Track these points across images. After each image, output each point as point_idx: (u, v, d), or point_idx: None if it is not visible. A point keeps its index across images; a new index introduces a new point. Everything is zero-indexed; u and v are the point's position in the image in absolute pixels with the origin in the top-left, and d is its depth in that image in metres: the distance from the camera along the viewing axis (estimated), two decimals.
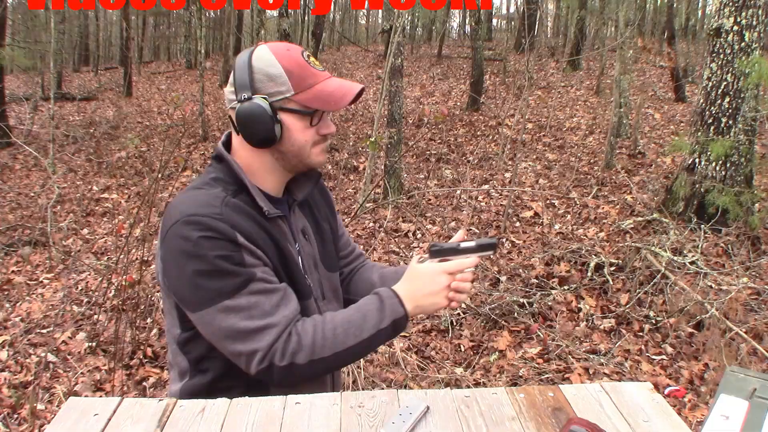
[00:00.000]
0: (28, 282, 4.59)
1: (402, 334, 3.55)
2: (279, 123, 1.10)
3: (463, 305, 3.85)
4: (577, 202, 5.95)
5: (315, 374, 1.09)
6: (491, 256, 1.02)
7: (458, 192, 6.45)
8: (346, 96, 1.11)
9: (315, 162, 1.17)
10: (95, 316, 3.76)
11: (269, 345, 1.04)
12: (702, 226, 4.51)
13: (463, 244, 1.11)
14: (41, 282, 4.59)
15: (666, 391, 2.91)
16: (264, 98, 1.09)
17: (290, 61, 1.10)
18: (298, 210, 1.25)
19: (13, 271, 4.83)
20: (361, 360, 3.09)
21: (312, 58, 1.14)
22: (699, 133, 4.90)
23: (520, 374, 3.12)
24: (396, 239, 5.17)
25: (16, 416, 2.82)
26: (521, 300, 3.85)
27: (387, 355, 3.25)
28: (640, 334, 3.50)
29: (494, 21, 25.64)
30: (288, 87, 1.09)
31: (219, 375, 1.16)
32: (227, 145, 1.19)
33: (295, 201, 1.23)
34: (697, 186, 4.89)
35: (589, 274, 4.16)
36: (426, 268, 1.12)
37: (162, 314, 3.72)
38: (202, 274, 1.04)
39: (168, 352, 1.24)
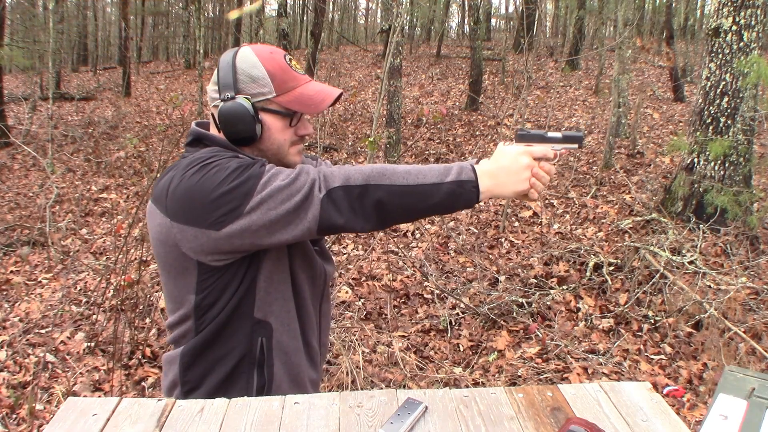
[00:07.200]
0: (27, 282, 4.58)
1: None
2: (260, 123, 1.14)
3: (462, 304, 3.86)
4: (576, 202, 5.95)
5: (370, 204, 1.05)
6: (576, 149, 1.02)
7: None
8: (325, 100, 1.15)
9: (291, 161, 1.20)
10: (94, 316, 3.76)
11: (317, 173, 1.06)
12: (701, 225, 4.51)
13: (550, 134, 1.13)
14: (40, 282, 4.59)
15: (665, 391, 2.91)
16: (247, 98, 1.12)
17: (273, 64, 1.14)
18: None
19: (11, 271, 4.82)
20: (360, 360, 3.09)
21: (294, 62, 1.18)
22: (698, 133, 4.91)
23: (519, 374, 3.12)
24: (395, 239, 5.17)
25: (14, 416, 2.82)
26: (520, 300, 3.85)
27: (386, 355, 3.25)
28: (639, 333, 3.51)
29: (493, 21, 25.65)
30: (270, 89, 1.13)
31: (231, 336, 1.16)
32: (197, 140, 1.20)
33: None
34: (695, 186, 4.90)
35: (588, 273, 4.16)
36: (510, 147, 1.11)
37: (161, 314, 3.72)
38: (227, 178, 1.04)
39: (169, 334, 1.22)
